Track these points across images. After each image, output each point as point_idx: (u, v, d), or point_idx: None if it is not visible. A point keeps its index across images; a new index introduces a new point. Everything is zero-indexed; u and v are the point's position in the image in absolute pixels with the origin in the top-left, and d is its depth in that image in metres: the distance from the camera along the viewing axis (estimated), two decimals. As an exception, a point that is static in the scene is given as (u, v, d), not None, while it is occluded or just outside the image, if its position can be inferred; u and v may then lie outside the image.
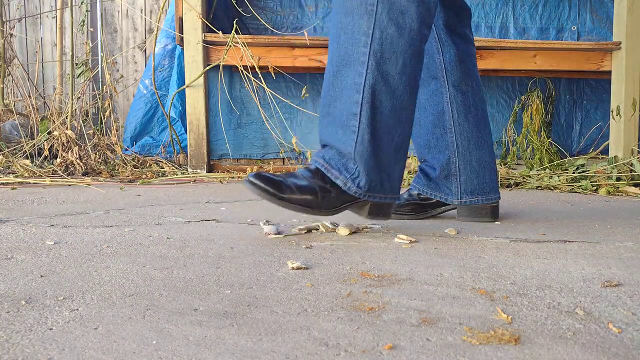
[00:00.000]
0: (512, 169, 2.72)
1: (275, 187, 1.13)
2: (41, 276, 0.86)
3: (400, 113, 1.18)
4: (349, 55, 1.15)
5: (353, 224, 1.32)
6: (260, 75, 2.62)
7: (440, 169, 1.41)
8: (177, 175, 2.56)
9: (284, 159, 3.06)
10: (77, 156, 2.59)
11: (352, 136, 1.16)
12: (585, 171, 2.29)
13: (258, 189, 1.13)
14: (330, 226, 1.26)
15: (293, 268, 0.92)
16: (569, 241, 1.17)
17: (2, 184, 2.17)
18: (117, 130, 2.93)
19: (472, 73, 1.40)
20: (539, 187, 2.22)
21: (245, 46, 2.55)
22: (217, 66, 2.67)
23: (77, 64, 2.92)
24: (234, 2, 2.76)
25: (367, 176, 1.17)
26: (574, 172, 2.31)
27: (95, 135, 2.78)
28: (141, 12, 3.77)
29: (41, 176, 2.37)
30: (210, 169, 2.79)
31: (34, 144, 2.78)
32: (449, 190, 1.42)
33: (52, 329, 0.64)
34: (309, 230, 1.26)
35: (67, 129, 2.70)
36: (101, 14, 3.73)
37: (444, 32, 1.38)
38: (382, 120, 1.16)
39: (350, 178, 1.17)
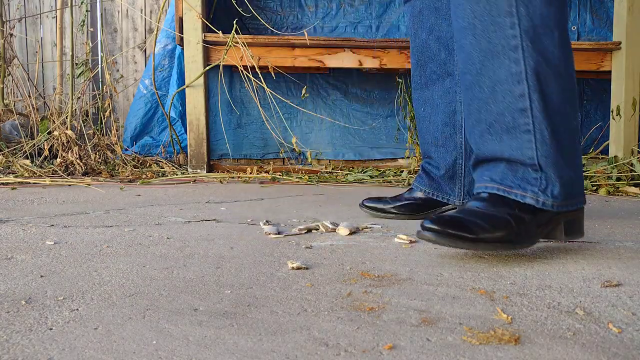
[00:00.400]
0: (512, 169, 2.72)
1: (464, 229, 0.92)
2: (41, 276, 0.86)
3: (569, 94, 1.00)
4: (493, 44, 0.98)
5: (353, 224, 1.32)
6: (260, 75, 2.62)
7: (446, 169, 1.40)
8: (177, 175, 2.56)
9: (284, 159, 3.06)
10: (77, 156, 2.59)
11: (527, 136, 0.98)
12: (585, 171, 2.29)
13: (443, 236, 0.92)
14: (330, 226, 1.26)
15: (293, 268, 0.92)
16: (569, 241, 1.17)
17: (2, 184, 2.17)
18: (117, 130, 2.93)
19: None
20: (539, 187, 2.21)
21: (245, 46, 2.55)
22: (217, 66, 2.67)
23: (77, 64, 2.92)
24: (234, 2, 2.76)
25: (561, 180, 0.98)
26: (574, 172, 2.31)
27: (95, 135, 2.78)
28: (141, 12, 3.77)
29: (41, 176, 2.37)
30: (210, 169, 2.79)
31: (34, 144, 2.78)
32: (452, 191, 1.41)
33: (52, 329, 0.64)
34: (309, 230, 1.26)
35: (67, 129, 2.70)
36: (101, 14, 3.73)
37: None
38: (556, 108, 0.98)
39: (540, 190, 0.98)
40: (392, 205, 1.43)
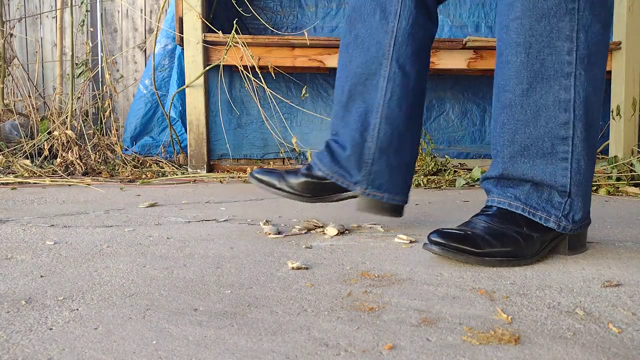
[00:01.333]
0: (512, 169, 2.72)
1: (471, 244, 0.94)
2: (41, 276, 0.86)
3: (599, 123, 1.01)
4: (545, 67, 0.96)
5: (343, 225, 1.32)
6: (260, 75, 2.62)
7: (352, 151, 1.20)
8: (177, 175, 2.56)
9: (284, 159, 3.06)
10: (77, 156, 2.59)
11: (563, 164, 0.97)
12: (585, 171, 2.29)
13: (449, 250, 0.94)
14: (320, 226, 1.26)
15: (293, 268, 0.92)
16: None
17: (2, 184, 2.17)
18: (117, 130, 2.93)
19: (423, 55, 1.19)
20: (539, 187, 2.21)
21: (245, 46, 2.55)
22: (217, 66, 2.67)
23: (77, 64, 2.92)
24: (234, 2, 2.76)
25: (584, 207, 1.00)
26: (574, 172, 2.31)
27: (95, 135, 2.78)
28: (141, 12, 3.77)
29: (41, 176, 2.37)
30: (210, 169, 2.79)
31: (34, 144, 2.78)
32: (355, 177, 1.21)
33: (52, 329, 0.64)
34: (309, 230, 1.26)
35: (67, 129, 2.70)
36: (101, 14, 3.73)
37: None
38: (593, 137, 0.99)
39: (563, 215, 0.99)
40: (286, 182, 1.24)
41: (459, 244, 0.94)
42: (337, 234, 1.21)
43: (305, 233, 1.24)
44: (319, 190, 1.25)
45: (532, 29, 0.96)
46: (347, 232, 1.25)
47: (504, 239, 0.95)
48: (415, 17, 1.15)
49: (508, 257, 0.95)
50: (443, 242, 0.94)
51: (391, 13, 1.15)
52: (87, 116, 3.06)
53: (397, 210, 1.24)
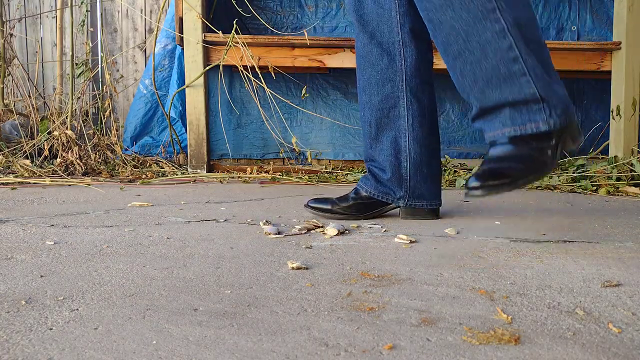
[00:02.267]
0: (512, 169, 2.72)
1: (502, 177, 1.08)
2: (41, 276, 0.86)
3: (534, 20, 1.13)
4: (472, 12, 1.09)
5: (343, 225, 1.32)
6: (260, 75, 2.62)
7: (392, 172, 1.42)
8: (177, 175, 2.56)
9: (284, 159, 3.06)
10: (77, 156, 2.59)
11: (524, 78, 1.09)
12: (585, 171, 2.29)
13: (489, 189, 1.07)
14: (320, 226, 1.26)
15: (293, 268, 0.92)
16: (569, 241, 1.17)
17: (2, 184, 2.17)
18: (117, 130, 2.93)
19: (429, 81, 1.41)
20: (539, 187, 2.22)
21: (245, 46, 2.55)
22: (217, 66, 2.67)
23: (77, 64, 2.92)
24: (234, 2, 2.76)
25: (558, 98, 1.11)
26: (574, 172, 2.31)
27: (95, 135, 2.78)
28: (141, 12, 3.77)
29: (41, 176, 2.37)
30: (210, 169, 2.79)
31: (34, 144, 2.78)
32: (398, 193, 1.43)
33: (52, 329, 0.64)
34: (309, 230, 1.26)
35: (67, 129, 2.70)
36: (101, 14, 3.73)
37: (409, 35, 1.36)
38: (535, 41, 1.11)
39: (547, 116, 1.09)
40: (339, 206, 1.43)
41: (494, 181, 1.06)
42: (337, 234, 1.21)
43: (305, 233, 1.24)
44: (367, 208, 1.45)
45: None
46: (347, 232, 1.25)
47: (523, 160, 1.09)
48: (417, 53, 1.37)
49: (535, 174, 1.08)
50: (481, 184, 1.07)
51: (396, 55, 1.37)
52: (87, 116, 3.06)
53: (435, 213, 1.46)
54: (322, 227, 1.27)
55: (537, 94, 1.09)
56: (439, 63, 2.69)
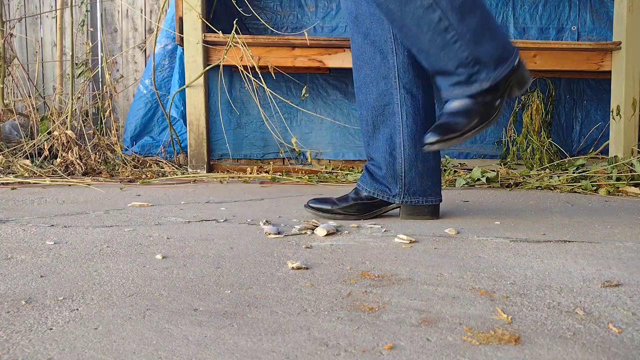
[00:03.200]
0: (512, 169, 2.72)
1: (452, 130, 1.22)
2: (41, 276, 0.86)
3: None
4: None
5: (335, 225, 1.32)
6: (260, 75, 2.62)
7: (387, 169, 1.42)
8: (177, 175, 2.56)
9: (284, 159, 3.06)
10: (77, 156, 2.59)
11: (457, 44, 1.20)
12: (585, 171, 2.29)
13: (444, 142, 1.23)
14: (310, 227, 1.26)
15: (293, 268, 0.92)
16: (569, 241, 1.17)
17: (2, 184, 2.17)
18: (117, 130, 2.93)
19: (423, 75, 1.41)
20: (539, 187, 2.22)
21: (245, 46, 2.55)
22: (217, 66, 2.67)
23: (77, 64, 2.92)
24: (234, 2, 2.76)
25: (490, 56, 1.22)
26: (574, 172, 2.31)
27: (95, 135, 2.78)
28: (141, 12, 3.77)
29: (41, 176, 2.37)
30: (210, 169, 2.79)
31: (34, 144, 2.78)
32: (394, 190, 1.43)
33: (52, 329, 0.64)
34: (309, 230, 1.26)
35: (67, 129, 2.70)
36: (101, 14, 3.73)
37: None
38: (468, 10, 1.19)
39: (488, 72, 1.22)
40: (339, 207, 1.43)
41: (447, 134, 1.22)
42: (326, 235, 1.20)
43: (305, 233, 1.24)
44: (367, 208, 1.45)
45: None
46: (338, 232, 1.25)
47: (471, 114, 1.23)
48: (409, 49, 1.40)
49: (482, 123, 1.24)
50: (437, 139, 1.22)
51: (388, 52, 1.38)
52: (87, 116, 3.06)
53: (434, 212, 1.46)
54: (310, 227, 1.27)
55: (469, 57, 1.20)
56: (439, 63, 2.70)
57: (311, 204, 1.46)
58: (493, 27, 1.24)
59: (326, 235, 1.21)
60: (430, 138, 1.22)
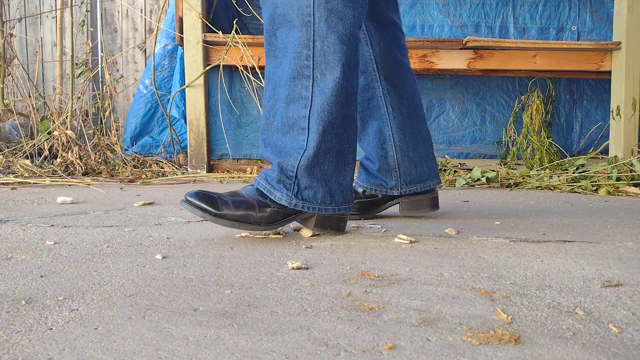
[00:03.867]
0: (512, 169, 2.73)
1: (211, 204, 1.11)
2: (41, 276, 0.86)
3: (352, 114, 1.18)
4: (293, 70, 1.14)
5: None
6: (260, 75, 2.62)
7: (380, 163, 1.41)
8: (177, 175, 2.56)
9: (284, 159, 3.05)
10: (77, 156, 2.59)
11: (302, 139, 1.15)
12: (585, 171, 2.29)
13: (192, 206, 1.11)
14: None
15: (293, 268, 0.92)
16: (569, 241, 1.17)
17: (2, 184, 2.17)
18: (117, 130, 2.93)
19: (402, 63, 1.38)
20: (539, 187, 2.22)
21: (245, 46, 2.55)
22: (217, 66, 2.67)
23: (77, 64, 2.92)
24: (234, 2, 2.76)
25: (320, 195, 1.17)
26: (574, 172, 2.31)
27: (95, 135, 2.78)
28: (141, 12, 3.77)
29: (41, 176, 2.37)
30: (210, 169, 2.79)
31: (34, 144, 2.78)
32: (390, 182, 1.42)
33: (52, 329, 0.64)
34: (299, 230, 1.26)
35: (67, 129, 2.70)
36: (101, 14, 3.73)
37: (372, 22, 1.35)
38: (332, 131, 1.15)
39: (292, 193, 1.16)
40: None
41: (200, 202, 1.11)
42: (311, 235, 1.20)
43: (304, 233, 1.23)
44: (370, 206, 1.45)
45: (287, 36, 1.14)
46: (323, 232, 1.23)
47: (242, 204, 1.15)
48: (383, 38, 1.36)
49: (242, 221, 1.14)
50: (190, 199, 1.12)
51: (363, 45, 1.36)
52: (87, 116, 3.06)
53: (434, 204, 1.45)
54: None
55: (295, 168, 1.14)
56: (439, 64, 2.70)
57: None
58: (341, 167, 1.18)
59: (312, 235, 1.20)
60: (189, 196, 1.12)
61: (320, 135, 1.13)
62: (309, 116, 1.13)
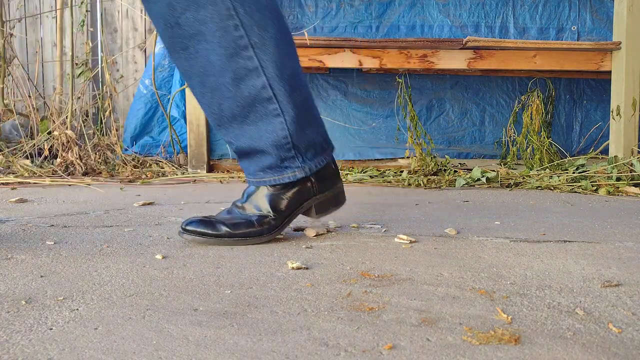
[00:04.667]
0: (512, 169, 2.72)
1: (209, 227, 1.09)
2: (41, 276, 0.86)
3: (297, 68, 1.11)
4: (224, 47, 1.04)
5: (324, 226, 1.32)
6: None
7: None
8: (177, 175, 2.56)
9: (284, 159, 3.06)
10: (77, 156, 2.59)
11: (276, 119, 1.08)
12: (585, 171, 2.29)
13: (192, 234, 1.09)
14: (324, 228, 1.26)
15: (293, 268, 0.92)
16: (569, 241, 1.17)
17: (2, 184, 2.17)
18: (117, 130, 2.93)
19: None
20: (539, 187, 2.22)
21: (245, 46, 2.54)
22: (217, 66, 2.66)
23: (77, 64, 2.92)
24: (234, 2, 2.75)
25: (311, 146, 1.13)
26: (574, 172, 2.31)
27: (95, 135, 2.78)
28: (141, 12, 3.77)
29: (41, 176, 2.37)
30: (210, 169, 2.79)
31: (34, 144, 2.78)
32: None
33: (52, 329, 0.64)
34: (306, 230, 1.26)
35: (67, 129, 2.70)
36: (101, 14, 3.73)
37: None
38: (293, 87, 1.09)
39: (299, 163, 1.12)
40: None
41: (198, 227, 1.09)
42: (315, 235, 1.20)
43: (304, 233, 1.23)
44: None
45: (198, 18, 1.03)
46: (328, 232, 1.24)
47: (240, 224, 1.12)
48: None
49: (247, 237, 1.11)
50: (188, 228, 1.09)
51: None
52: (87, 116, 3.06)
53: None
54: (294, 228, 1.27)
55: (288, 137, 1.09)
56: (439, 64, 2.70)
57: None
58: (315, 113, 1.15)
59: (315, 235, 1.20)
60: (188, 225, 1.09)
61: (290, 93, 1.08)
62: (268, 82, 1.06)
